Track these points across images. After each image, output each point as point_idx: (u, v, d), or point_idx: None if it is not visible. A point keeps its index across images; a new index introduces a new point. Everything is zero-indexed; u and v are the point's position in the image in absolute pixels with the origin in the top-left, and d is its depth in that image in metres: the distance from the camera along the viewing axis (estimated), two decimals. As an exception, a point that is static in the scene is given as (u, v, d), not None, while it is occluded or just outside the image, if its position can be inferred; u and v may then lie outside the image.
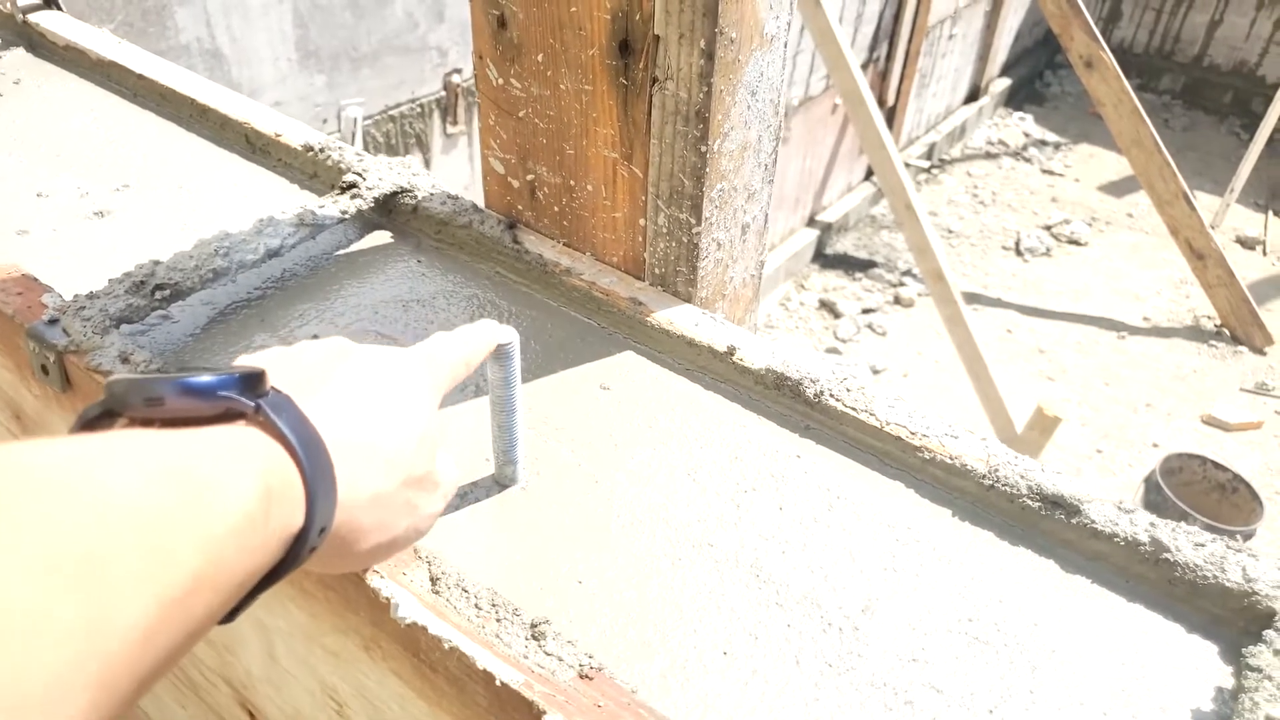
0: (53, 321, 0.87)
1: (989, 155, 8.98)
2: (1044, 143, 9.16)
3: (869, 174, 7.95)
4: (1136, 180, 6.77)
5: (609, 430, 0.89)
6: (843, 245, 7.64)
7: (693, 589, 0.75)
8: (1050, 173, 8.70)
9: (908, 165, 8.26)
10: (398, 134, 3.59)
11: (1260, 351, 6.53)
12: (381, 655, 0.73)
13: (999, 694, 0.69)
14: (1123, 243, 7.71)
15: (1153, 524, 0.76)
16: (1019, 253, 7.60)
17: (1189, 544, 0.75)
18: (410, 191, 1.10)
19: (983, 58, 8.93)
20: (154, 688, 1.19)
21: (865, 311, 6.90)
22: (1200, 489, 4.74)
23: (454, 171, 3.93)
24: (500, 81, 1.00)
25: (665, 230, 0.97)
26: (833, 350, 6.46)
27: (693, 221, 0.95)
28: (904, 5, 7.19)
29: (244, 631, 0.92)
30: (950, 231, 7.86)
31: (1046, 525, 0.79)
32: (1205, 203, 8.04)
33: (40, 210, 1.12)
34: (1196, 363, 6.48)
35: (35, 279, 0.93)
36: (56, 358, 0.86)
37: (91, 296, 0.89)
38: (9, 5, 1.43)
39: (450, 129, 3.79)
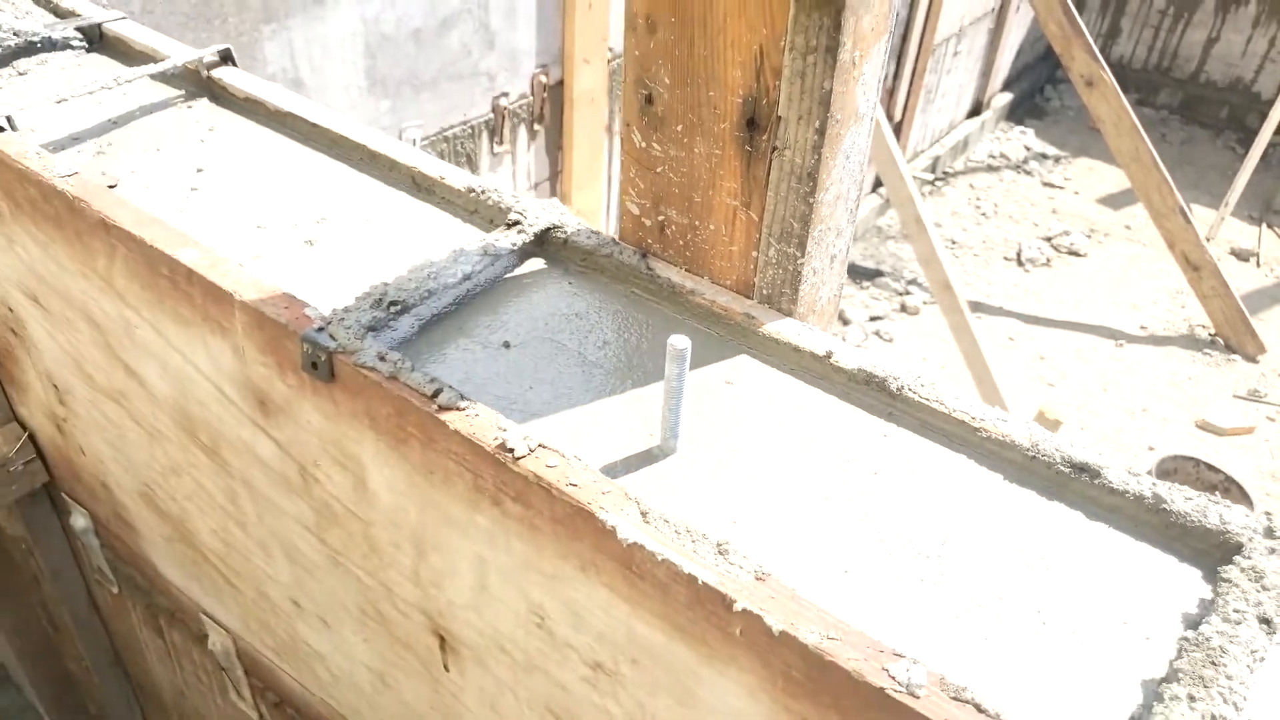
0: (320, 329, 1.15)
1: (991, 168, 9.27)
2: (1044, 156, 9.45)
3: (876, 185, 8.23)
4: (1134, 193, 7.07)
5: (735, 414, 1.17)
6: (850, 255, 7.93)
7: (815, 528, 1.03)
8: (1050, 185, 8.99)
9: (913, 178, 8.54)
10: (450, 154, 3.88)
11: (1253, 360, 6.82)
12: (596, 572, 1.01)
13: (1044, 600, 0.96)
14: (1121, 254, 8.01)
15: (1154, 484, 1.04)
16: (1020, 263, 7.90)
17: (1181, 498, 1.03)
18: (561, 227, 1.38)
19: (985, 73, 9.23)
20: (335, 627, 1.46)
21: (873, 319, 7.18)
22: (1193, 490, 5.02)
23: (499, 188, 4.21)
24: (643, 145, 1.28)
25: (774, 261, 1.25)
26: (843, 356, 6.72)
27: (798, 255, 1.23)
28: (911, 25, 7.49)
29: (460, 567, 1.19)
30: (954, 242, 8.14)
31: (1075, 485, 1.07)
32: (1201, 215, 8.33)
33: (264, 239, 1.39)
34: (1192, 370, 6.76)
35: (294, 296, 1.21)
36: (327, 357, 1.13)
37: (347, 310, 1.17)
38: (195, 62, 1.70)
39: (496, 148, 4.07)
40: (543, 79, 4.24)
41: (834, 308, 1.38)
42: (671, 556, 0.93)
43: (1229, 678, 0.84)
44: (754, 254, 1.27)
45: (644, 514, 0.97)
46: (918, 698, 0.82)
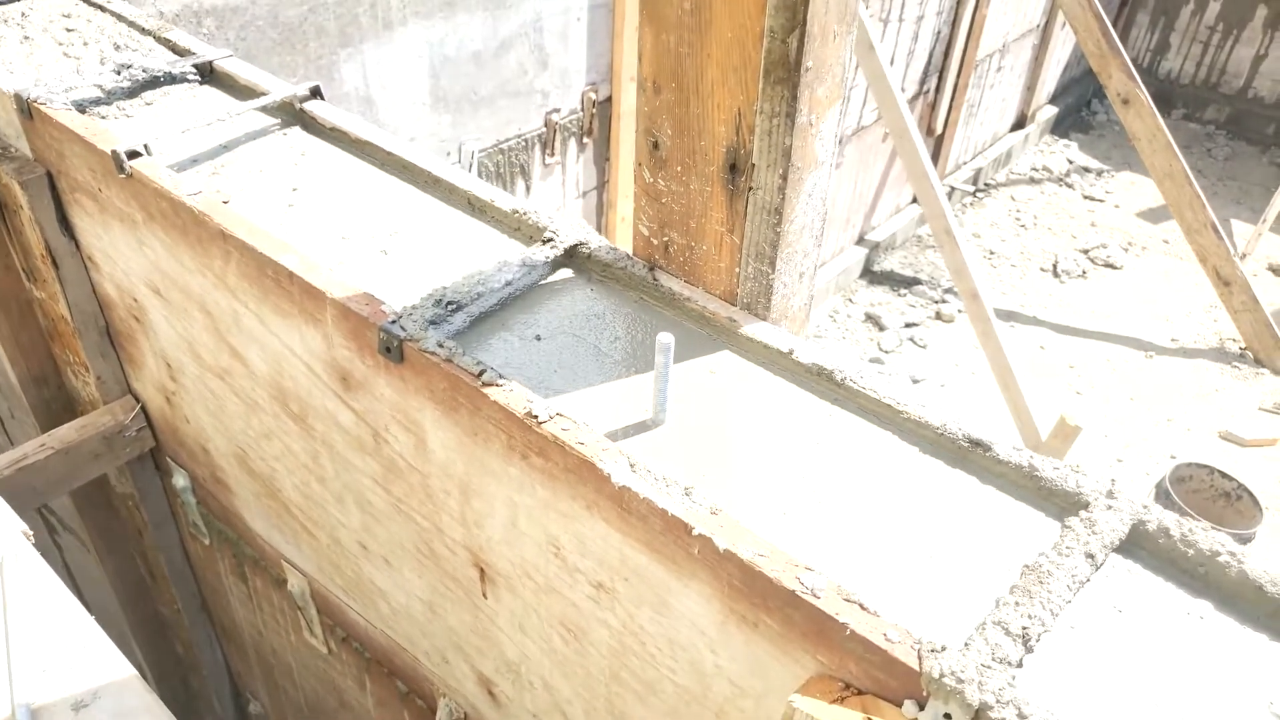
0: (394, 322, 1.49)
1: (1033, 180, 9.44)
2: (1087, 169, 9.59)
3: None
4: (1167, 210, 7.22)
5: (716, 396, 1.49)
6: (889, 263, 8.17)
7: (765, 481, 1.34)
8: (1091, 198, 9.14)
9: (954, 189, 8.75)
10: (506, 165, 4.23)
11: (1281, 374, 6.94)
12: (598, 510, 1.33)
13: (936, 542, 1.27)
14: (1156, 268, 8.15)
15: (1031, 455, 1.34)
16: (1056, 274, 8.08)
17: (1049, 467, 1.33)
18: (586, 244, 1.71)
19: (1030, 87, 9.40)
20: (395, 565, 1.80)
21: (908, 325, 7.43)
22: (1207, 496, 5.22)
23: (549, 196, 4.56)
24: (651, 180, 1.60)
25: (752, 276, 1.57)
26: (876, 360, 6.99)
27: (770, 272, 1.54)
28: (954, 41, 7.71)
29: (496, 508, 1.52)
30: (992, 253, 8.35)
31: (973, 456, 1.37)
32: (1243, 231, 8.45)
33: (347, 248, 1.74)
34: (1219, 382, 6.91)
35: (373, 295, 1.55)
36: (398, 344, 1.47)
37: (415, 307, 1.51)
38: (291, 96, 2.06)
39: (548, 160, 4.41)
40: (592, 95, 4.57)
41: (805, 314, 1.69)
42: (650, 495, 1.25)
43: (1050, 592, 1.14)
44: (736, 270, 1.58)
45: (632, 465, 1.29)
46: (819, 598, 1.13)
